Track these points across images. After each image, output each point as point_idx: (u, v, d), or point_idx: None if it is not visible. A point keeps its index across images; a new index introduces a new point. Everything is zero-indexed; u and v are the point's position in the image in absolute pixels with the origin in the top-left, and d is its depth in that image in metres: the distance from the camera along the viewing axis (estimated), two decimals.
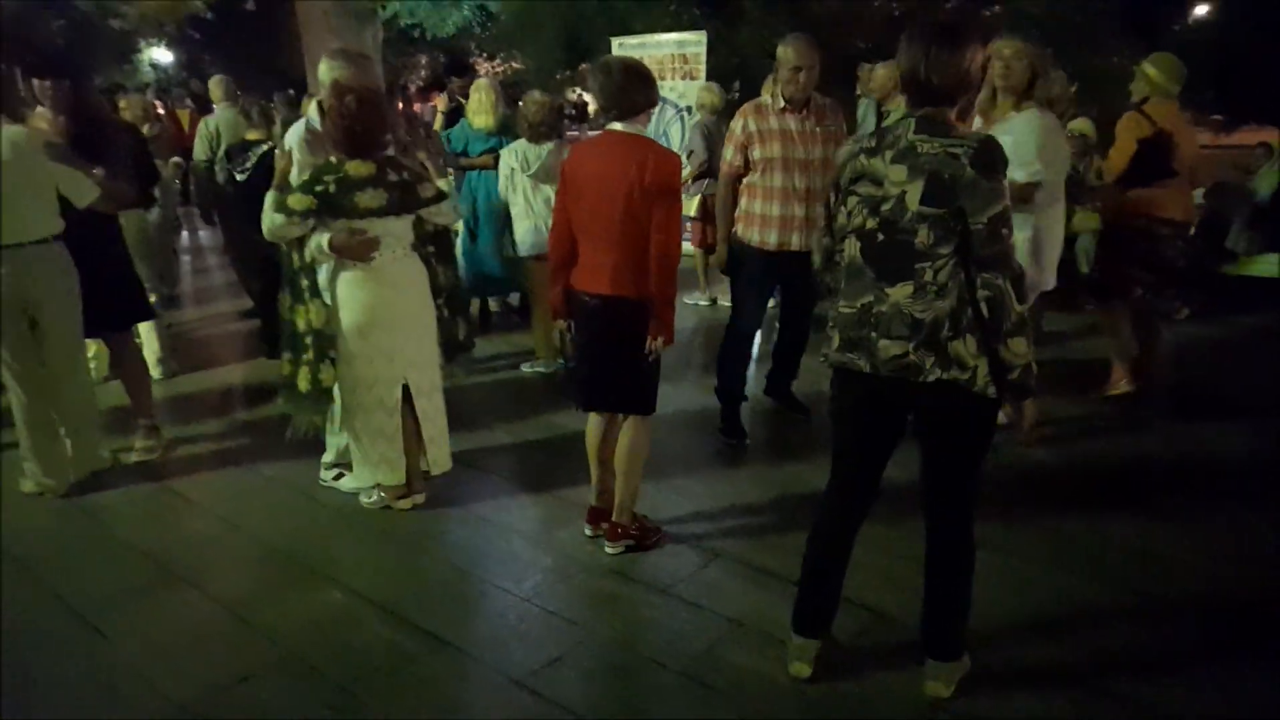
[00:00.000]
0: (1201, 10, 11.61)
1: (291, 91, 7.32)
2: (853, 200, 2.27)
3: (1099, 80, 7.11)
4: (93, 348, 4.57)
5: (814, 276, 2.54)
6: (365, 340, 3.33)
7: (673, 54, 8.18)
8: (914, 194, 2.14)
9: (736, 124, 3.97)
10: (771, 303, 4.39)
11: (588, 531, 3.34)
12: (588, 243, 3.04)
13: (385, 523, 3.52)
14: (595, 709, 2.47)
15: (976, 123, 3.80)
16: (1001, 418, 3.95)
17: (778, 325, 4.53)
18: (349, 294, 3.32)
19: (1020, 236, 3.59)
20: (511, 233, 5.20)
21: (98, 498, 3.76)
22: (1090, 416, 4.47)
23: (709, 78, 7.76)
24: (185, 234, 10.30)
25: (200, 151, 6.99)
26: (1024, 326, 2.14)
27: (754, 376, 4.41)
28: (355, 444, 3.53)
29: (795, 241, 3.88)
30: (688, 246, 6.31)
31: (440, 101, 7.79)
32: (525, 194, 4.98)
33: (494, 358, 5.51)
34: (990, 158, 2.10)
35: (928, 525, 2.39)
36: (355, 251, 3.23)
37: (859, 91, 7.15)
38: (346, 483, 3.74)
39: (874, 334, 2.23)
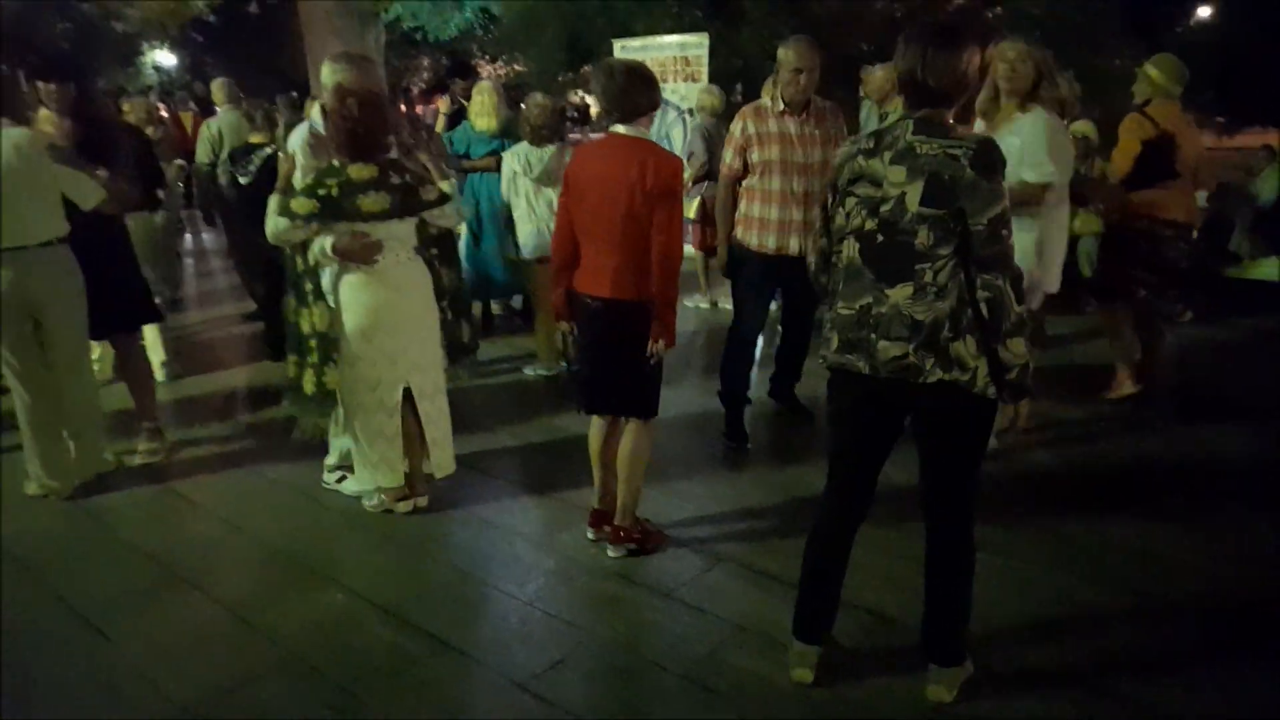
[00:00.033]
0: (1204, 12, 11.61)
1: (294, 94, 7.32)
2: (851, 201, 2.27)
3: (1101, 81, 7.11)
4: (96, 350, 4.58)
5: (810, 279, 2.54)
6: (368, 343, 3.34)
7: (675, 56, 8.19)
8: (914, 195, 2.14)
9: (736, 126, 3.97)
10: (774, 306, 4.39)
11: (590, 534, 3.35)
12: (590, 245, 3.04)
13: (388, 525, 3.52)
14: (597, 712, 2.47)
15: (978, 125, 3.81)
16: (1003, 422, 3.99)
17: (780, 328, 4.53)
18: (352, 297, 3.32)
19: (1027, 239, 3.61)
20: (514, 235, 5.21)
21: (101, 500, 3.77)
22: (1092, 418, 4.47)
23: (711, 80, 7.77)
24: (188, 237, 10.33)
25: (203, 154, 7.00)
26: (1023, 327, 2.15)
27: (757, 380, 4.41)
28: (356, 445, 3.54)
29: (793, 245, 3.88)
30: (689, 249, 6.31)
31: (443, 104, 7.78)
32: (527, 197, 4.99)
33: (496, 360, 5.51)
34: (989, 159, 2.10)
35: (927, 526, 2.39)
36: (358, 255, 3.24)
37: (862, 94, 7.15)
38: (349, 485, 3.75)
39: (873, 335, 2.23)
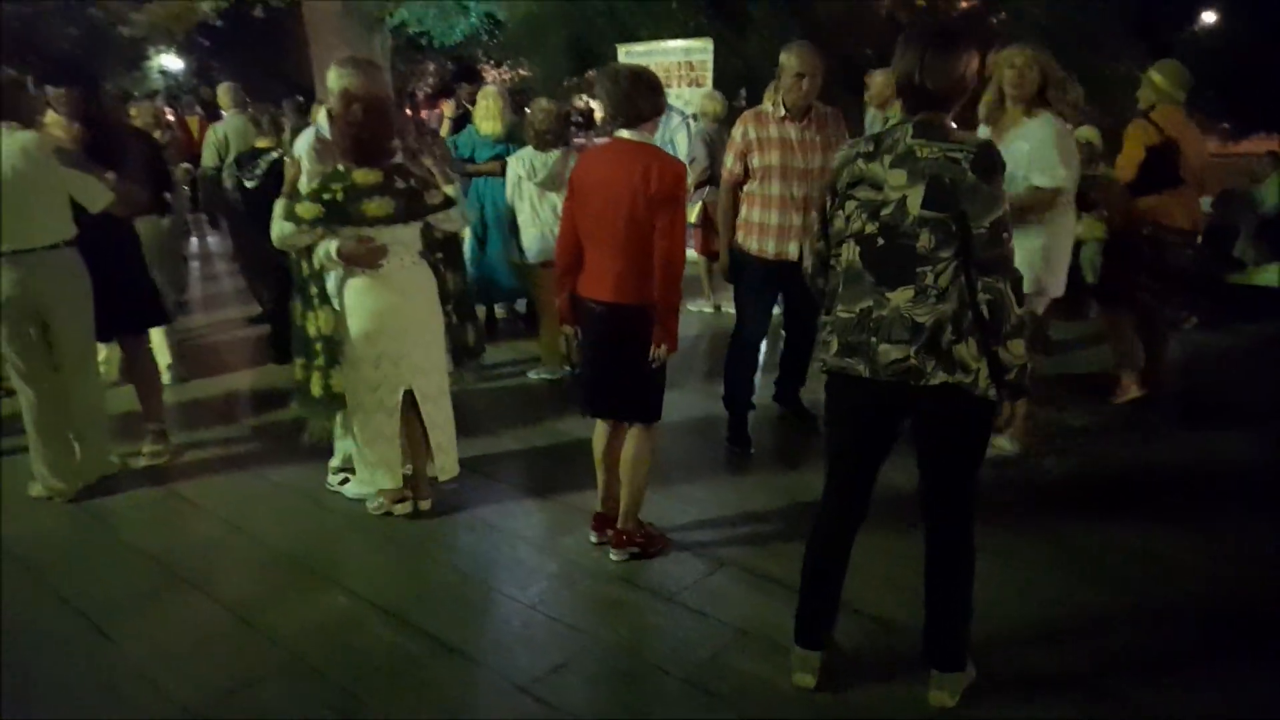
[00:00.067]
0: (1209, 17, 11.60)
1: (300, 98, 7.35)
2: (851, 204, 2.28)
3: (1105, 86, 7.10)
4: (103, 352, 4.60)
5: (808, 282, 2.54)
6: (372, 346, 3.35)
7: (679, 61, 8.21)
8: (915, 198, 2.15)
9: (737, 131, 3.98)
10: (777, 310, 4.39)
11: (593, 538, 3.35)
12: (593, 249, 3.05)
13: (390, 527, 3.53)
14: (599, 715, 2.47)
15: (982, 130, 3.81)
16: (998, 422, 3.98)
17: (783, 333, 4.53)
18: (357, 301, 3.33)
19: (1035, 243, 3.61)
20: (518, 239, 5.22)
21: (104, 501, 3.78)
22: (1095, 423, 4.46)
23: (715, 85, 7.78)
24: (193, 240, 10.36)
25: (209, 158, 7.03)
26: (1022, 329, 2.16)
27: (760, 384, 4.41)
28: (356, 446, 3.55)
29: (793, 250, 3.88)
30: (691, 254, 6.31)
31: (448, 107, 7.81)
32: (532, 201, 5.00)
33: (500, 364, 5.52)
34: (990, 162, 2.11)
35: (928, 528, 2.39)
36: (362, 259, 3.25)
37: (867, 99, 7.15)
38: (350, 488, 3.76)
39: (873, 339, 2.23)
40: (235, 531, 3.54)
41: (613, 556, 3.23)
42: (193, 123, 11.25)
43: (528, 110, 5.18)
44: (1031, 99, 3.66)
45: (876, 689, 2.52)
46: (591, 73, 10.82)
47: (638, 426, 3.15)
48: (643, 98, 2.95)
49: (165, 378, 5.02)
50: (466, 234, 5.29)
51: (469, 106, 6.43)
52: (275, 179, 4.33)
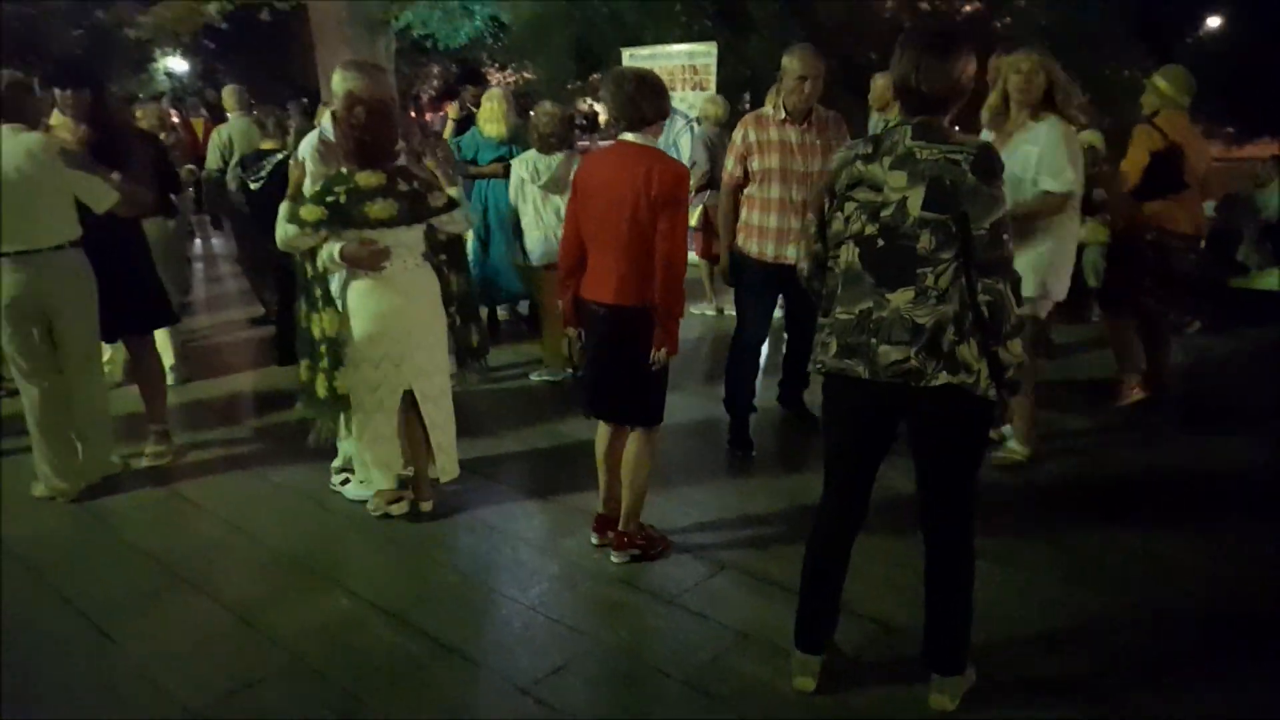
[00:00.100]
0: (1213, 22, 11.60)
1: (305, 101, 7.38)
2: (850, 206, 2.28)
3: (1109, 90, 7.10)
4: (107, 352, 4.61)
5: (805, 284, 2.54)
6: (375, 348, 3.36)
7: (683, 65, 8.23)
8: (915, 200, 2.15)
9: (737, 134, 3.99)
10: (778, 313, 4.39)
11: (594, 540, 3.35)
12: (596, 251, 3.05)
13: (391, 529, 3.53)
14: (600, 717, 2.48)
15: (986, 135, 3.81)
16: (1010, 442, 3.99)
17: (785, 335, 4.53)
18: (360, 303, 3.34)
19: (1040, 247, 3.61)
20: (522, 242, 5.23)
21: (107, 502, 3.79)
22: (1097, 427, 4.46)
23: (719, 89, 7.80)
24: (197, 242, 10.39)
25: (213, 160, 7.04)
26: (1021, 329, 2.17)
27: (762, 387, 4.41)
28: (356, 446, 3.55)
29: (792, 254, 3.88)
30: (693, 257, 6.32)
31: (452, 109, 7.81)
32: (535, 204, 5.01)
33: (503, 366, 5.52)
34: (990, 164, 2.12)
35: (927, 529, 2.38)
36: (365, 261, 3.25)
37: (870, 102, 7.15)
38: (351, 489, 3.76)
39: (873, 340, 2.23)
40: (237, 532, 3.55)
41: (614, 558, 3.23)
42: (198, 125, 11.28)
43: (532, 113, 5.18)
44: (1037, 104, 3.66)
45: (877, 692, 2.52)
46: (596, 76, 10.86)
47: (639, 429, 3.15)
48: (647, 101, 2.96)
49: (168, 378, 5.04)
50: (469, 236, 5.30)
51: (473, 109, 6.44)
52: (279, 181, 4.34)
